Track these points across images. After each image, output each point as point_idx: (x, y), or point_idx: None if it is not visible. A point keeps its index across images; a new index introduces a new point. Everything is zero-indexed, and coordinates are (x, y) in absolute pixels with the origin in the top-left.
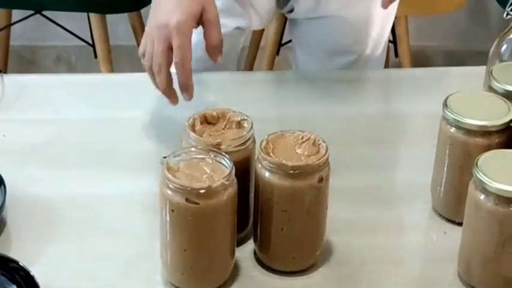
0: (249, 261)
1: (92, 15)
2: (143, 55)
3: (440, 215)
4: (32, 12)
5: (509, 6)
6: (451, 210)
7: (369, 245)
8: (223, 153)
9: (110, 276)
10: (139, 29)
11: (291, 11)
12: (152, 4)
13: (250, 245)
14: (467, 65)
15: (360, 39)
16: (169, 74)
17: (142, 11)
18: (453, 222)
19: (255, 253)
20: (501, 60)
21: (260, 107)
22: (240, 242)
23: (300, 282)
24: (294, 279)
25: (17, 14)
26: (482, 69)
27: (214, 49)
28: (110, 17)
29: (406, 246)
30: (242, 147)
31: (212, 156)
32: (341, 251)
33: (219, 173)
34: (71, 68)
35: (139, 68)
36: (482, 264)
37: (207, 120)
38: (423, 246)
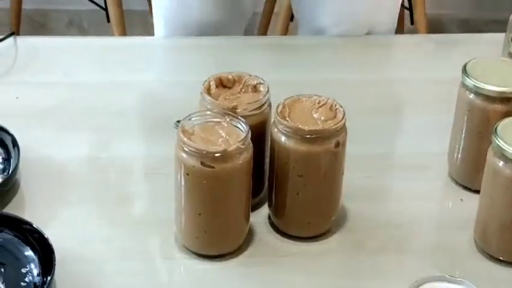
0: (264, 227)
1: None
2: None
3: (457, 182)
4: None
5: None
6: (468, 177)
7: (384, 211)
8: (239, 117)
9: (123, 239)
10: None
11: None
12: None
13: (264, 210)
14: (482, 33)
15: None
16: None
17: None
18: (469, 189)
19: (269, 218)
20: None
21: (276, 71)
22: (255, 207)
23: (314, 248)
24: (309, 244)
25: None
26: (499, 37)
27: None
28: None
29: (422, 214)
30: (258, 111)
31: (228, 120)
32: (356, 217)
33: (234, 136)
34: (83, 32)
35: (151, 33)
36: (499, 231)
37: (223, 84)
38: (439, 213)
